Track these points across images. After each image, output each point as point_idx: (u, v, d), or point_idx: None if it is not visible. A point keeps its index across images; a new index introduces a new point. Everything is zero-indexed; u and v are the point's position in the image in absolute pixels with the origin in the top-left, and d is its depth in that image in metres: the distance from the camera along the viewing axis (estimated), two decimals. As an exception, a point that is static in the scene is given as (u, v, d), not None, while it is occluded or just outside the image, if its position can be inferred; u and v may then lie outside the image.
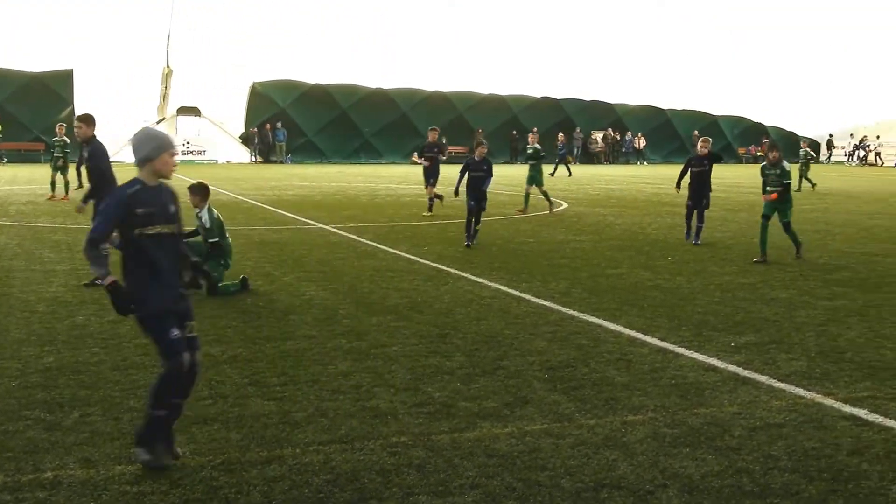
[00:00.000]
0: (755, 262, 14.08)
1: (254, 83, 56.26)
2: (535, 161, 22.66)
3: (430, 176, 22.06)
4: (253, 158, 54.77)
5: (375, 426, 6.20)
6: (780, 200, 14.30)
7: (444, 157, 23.86)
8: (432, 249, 15.22)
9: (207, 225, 11.30)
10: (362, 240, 16.49)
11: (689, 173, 16.86)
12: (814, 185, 33.13)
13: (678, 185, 17.49)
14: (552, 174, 38.58)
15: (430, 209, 21.86)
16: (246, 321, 9.51)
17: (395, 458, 5.60)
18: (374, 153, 58.35)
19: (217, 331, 8.98)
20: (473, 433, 6.09)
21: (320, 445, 5.80)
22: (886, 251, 15.70)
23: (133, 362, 7.77)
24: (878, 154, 61.69)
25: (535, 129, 52.90)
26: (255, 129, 55.09)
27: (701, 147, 16.94)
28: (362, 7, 56.08)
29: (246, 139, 55.68)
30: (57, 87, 52.49)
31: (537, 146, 23.35)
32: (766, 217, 14.39)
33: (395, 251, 15.00)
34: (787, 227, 14.46)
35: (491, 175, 15.97)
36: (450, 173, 21.15)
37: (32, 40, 60.67)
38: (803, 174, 32.88)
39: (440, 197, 22.20)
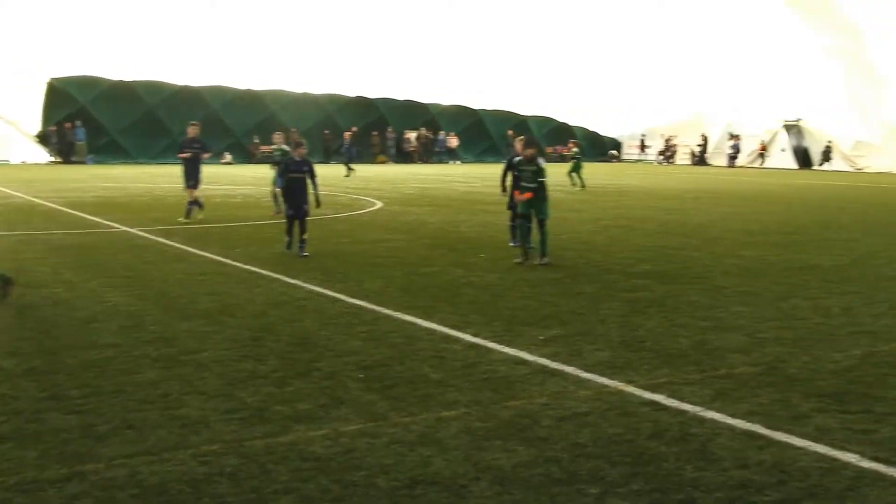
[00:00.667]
0: (516, 262, 13.82)
1: (51, 79, 53.27)
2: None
3: (191, 176, 19.90)
4: (51, 159, 51.94)
5: (185, 435, 6.01)
6: (536, 199, 13.79)
7: (208, 156, 21.78)
8: (245, 252, 14.92)
9: None
10: (170, 243, 15.97)
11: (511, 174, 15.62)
12: (583, 185, 32.28)
13: (503, 187, 16.25)
14: (346, 175, 38.44)
15: (187, 215, 19.57)
16: (44, 331, 9.01)
17: (206, 468, 5.45)
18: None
19: (11, 342, 8.47)
20: (287, 437, 6.02)
21: (126, 458, 5.57)
22: (681, 244, 16.63)
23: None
24: (673, 153, 65.22)
25: (294, 129, 52.76)
26: (54, 128, 52.31)
27: (520, 147, 15.65)
28: (168, 3, 54.17)
29: (43, 138, 52.76)
30: None
31: (284, 147, 22.46)
32: (523, 217, 14.02)
33: (205, 254, 14.61)
34: (542, 223, 13.92)
35: (314, 176, 14.89)
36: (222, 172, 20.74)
37: None
38: (576, 172, 32.77)
39: (199, 204, 19.92)
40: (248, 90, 58.43)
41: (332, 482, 5.27)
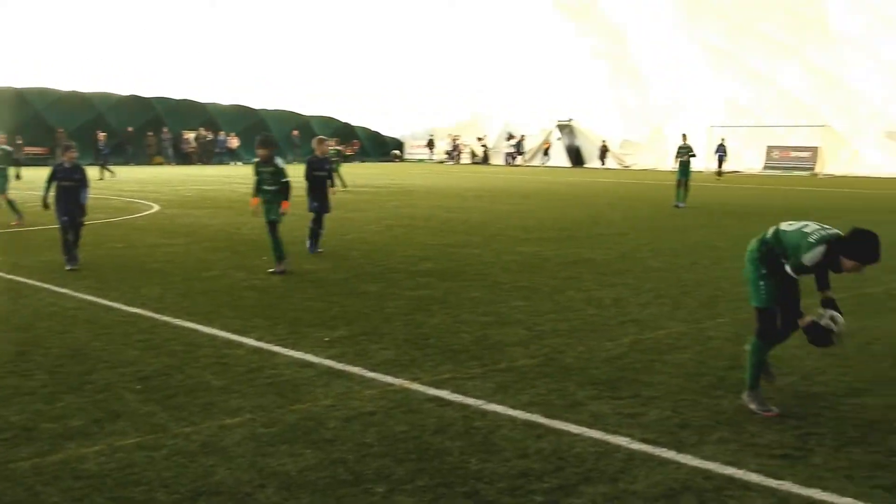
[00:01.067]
0: (271, 271, 13.15)
1: None
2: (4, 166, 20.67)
3: None
4: None
5: (-59, 461, 5.56)
6: (273, 202, 13.20)
7: None
8: (6, 260, 13.97)
9: None
10: None
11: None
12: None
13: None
14: (101, 178, 36.91)
15: None
16: None
17: (-34, 494, 5.06)
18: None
19: None
20: (58, 456, 5.68)
21: None
22: (462, 242, 17.04)
23: None
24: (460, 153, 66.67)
25: (61, 129, 50.24)
26: None
27: (320, 148, 15.84)
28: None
29: None
30: None
31: (6, 147, 21.41)
32: (270, 224, 13.27)
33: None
34: (273, 226, 13.23)
35: (87, 185, 13.45)
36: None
37: None
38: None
39: None
40: (8, 87, 54.74)
41: (108, 500, 5.02)
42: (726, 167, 44.54)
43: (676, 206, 25.45)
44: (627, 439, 5.95)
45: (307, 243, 15.33)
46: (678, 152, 27.24)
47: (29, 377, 7.45)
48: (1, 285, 11.89)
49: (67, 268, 13.09)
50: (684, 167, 26.40)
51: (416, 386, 7.25)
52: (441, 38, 62.35)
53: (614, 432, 6.08)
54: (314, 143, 16.18)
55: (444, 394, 7.01)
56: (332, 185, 15.93)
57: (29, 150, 48.74)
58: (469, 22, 60.94)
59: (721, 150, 44.17)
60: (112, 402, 6.79)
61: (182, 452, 5.75)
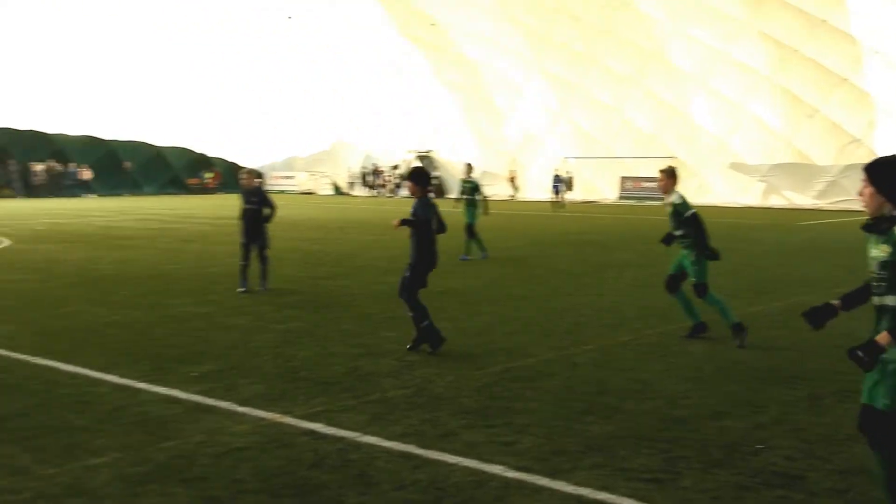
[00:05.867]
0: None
1: None
2: None
3: None
4: None
5: None
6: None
7: None
8: None
9: None
10: None
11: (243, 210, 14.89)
12: None
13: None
14: None
15: None
16: None
17: None
18: None
19: None
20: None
21: None
22: (329, 274, 16.98)
23: None
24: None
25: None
26: None
27: (246, 180, 15.22)
28: None
29: None
30: None
31: None
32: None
33: None
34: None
35: None
36: None
37: None
38: None
39: None
40: None
41: (-32, 549, 4.78)
42: (570, 197, 45.70)
43: (463, 259, 19.42)
44: (503, 467, 6.05)
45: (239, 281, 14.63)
46: (462, 188, 21.49)
47: None
48: None
49: None
50: (470, 208, 20.38)
51: (288, 419, 7.19)
52: (299, 67, 62.11)
53: (489, 461, 6.18)
54: (242, 175, 15.40)
55: (318, 427, 6.98)
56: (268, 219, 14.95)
57: None
58: (327, 52, 60.94)
59: (558, 181, 45.17)
60: (-32, 447, 6.46)
61: (46, 496, 5.53)
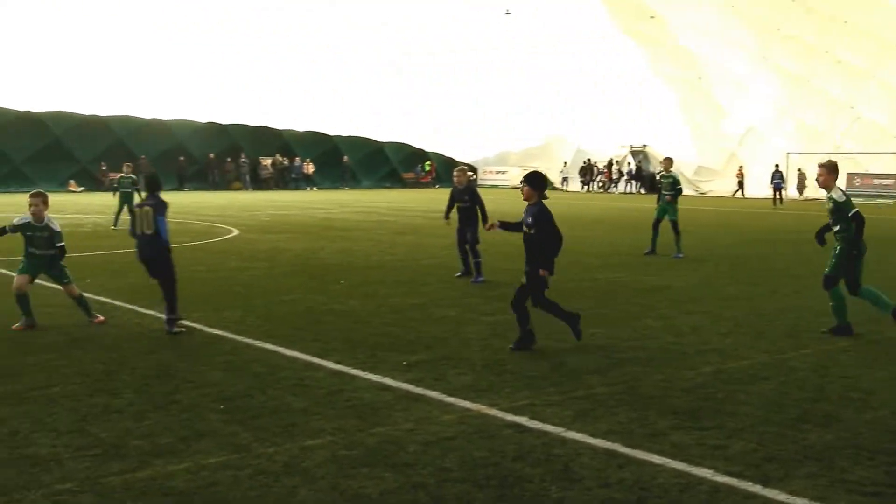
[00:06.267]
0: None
1: None
2: None
3: None
4: None
5: (35, 475, 5.73)
6: None
7: None
8: (95, 282, 14.38)
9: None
10: (12, 273, 15.21)
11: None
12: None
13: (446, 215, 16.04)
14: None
15: None
16: None
17: (60, 508, 5.21)
18: (25, 181, 54.10)
19: None
20: (146, 472, 5.81)
21: (-28, 502, 5.27)
22: (538, 268, 16.98)
23: None
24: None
25: (143, 157, 51.83)
26: None
27: (458, 178, 15.59)
28: (6, 24, 52.09)
29: None
30: None
31: (132, 176, 25.47)
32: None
33: (51, 285, 13.97)
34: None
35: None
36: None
37: None
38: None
39: None
40: (94, 116, 56.40)
41: (196, 517, 5.12)
42: (792, 194, 43.48)
43: (647, 253, 19.28)
44: (711, 471, 5.85)
45: (472, 275, 15.14)
46: (660, 183, 20.72)
47: (117, 396, 7.65)
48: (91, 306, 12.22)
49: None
50: (669, 204, 19.39)
51: (494, 412, 7.25)
52: (513, 64, 62.53)
53: (698, 464, 5.99)
54: (455, 173, 15.88)
55: (523, 420, 6.99)
56: (483, 214, 15.09)
57: (114, 176, 50.05)
58: (541, 46, 60.99)
59: (778, 178, 43.09)
60: (197, 422, 6.93)
61: (265, 472, 5.84)
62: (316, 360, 9.07)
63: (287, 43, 59.66)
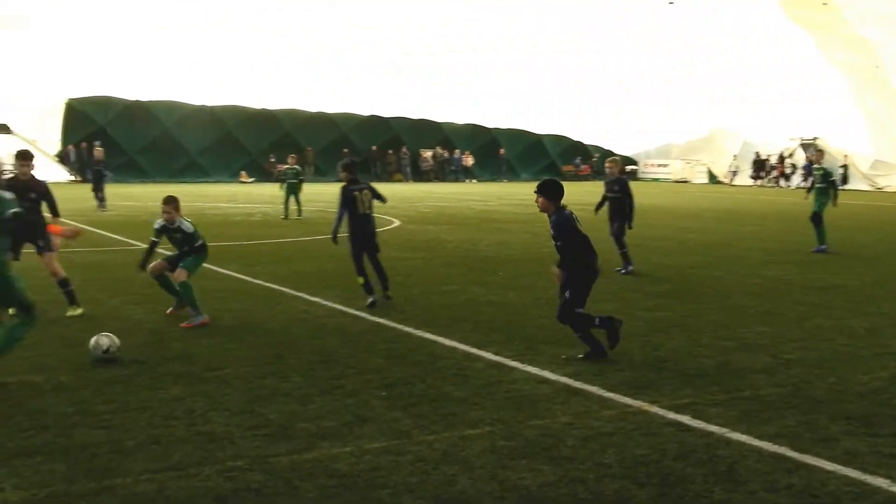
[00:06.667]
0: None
1: (68, 100, 53.80)
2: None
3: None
4: (70, 178, 52.30)
5: (211, 451, 6.03)
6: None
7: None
8: (265, 269, 14.98)
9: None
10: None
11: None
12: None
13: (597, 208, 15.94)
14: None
15: None
16: (69, 347, 9.06)
17: (232, 483, 5.46)
18: (201, 172, 56.92)
19: (39, 358, 8.52)
20: (312, 454, 6.02)
21: (153, 473, 5.59)
22: (700, 263, 16.58)
23: None
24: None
25: (309, 148, 53.58)
26: (72, 148, 52.71)
27: (610, 169, 15.58)
28: (183, 21, 54.90)
29: (62, 158, 53.19)
30: None
31: (297, 167, 27.15)
32: None
33: (225, 271, 14.67)
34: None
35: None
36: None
37: None
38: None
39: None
40: (263, 109, 58.73)
41: (359, 499, 5.26)
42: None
43: (819, 250, 18.44)
44: (888, 481, 5.56)
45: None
46: (814, 176, 20.21)
47: (285, 379, 7.94)
48: (260, 293, 12.76)
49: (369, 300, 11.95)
50: (821, 197, 19.08)
51: (655, 409, 7.13)
52: (675, 53, 61.12)
53: (872, 472, 5.71)
54: (607, 163, 15.95)
55: (685, 419, 6.84)
56: (631, 206, 15.24)
57: (281, 167, 51.98)
58: (704, 35, 59.34)
59: None
60: (360, 407, 7.11)
61: (425, 459, 5.93)
62: (475, 350, 9.15)
63: (448, 35, 60.28)
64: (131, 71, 54.15)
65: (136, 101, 55.44)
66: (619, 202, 15.29)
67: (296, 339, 9.67)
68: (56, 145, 53.76)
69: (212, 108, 57.21)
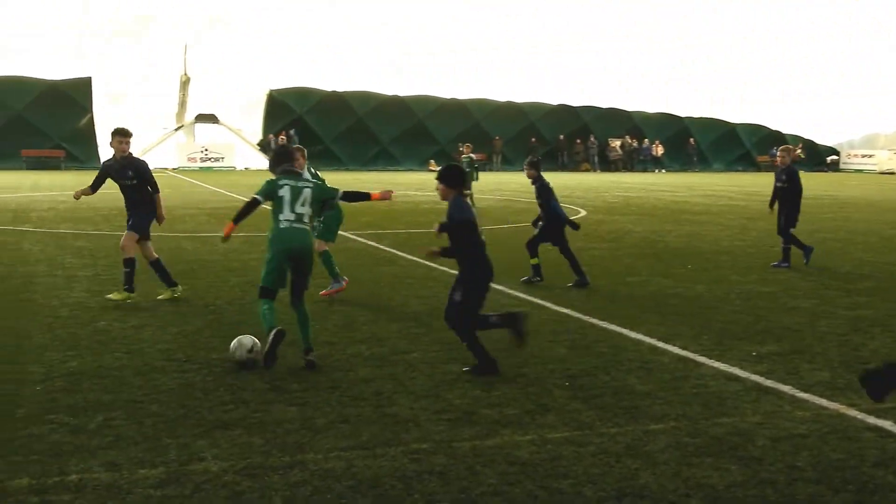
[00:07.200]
0: None
1: (270, 90, 56.51)
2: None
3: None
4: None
5: (396, 433, 6.19)
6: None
7: None
8: (451, 256, 15.20)
9: None
10: (381, 247, 16.52)
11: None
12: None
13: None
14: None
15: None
16: (266, 327, 9.51)
17: (417, 465, 5.59)
18: (392, 160, 58.46)
19: (234, 336, 8.99)
20: (494, 440, 6.08)
21: (342, 451, 5.80)
22: (908, 261, 15.59)
23: (155, 367, 7.82)
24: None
25: (498, 137, 53.62)
26: (272, 137, 55.32)
27: (781, 157, 15.13)
28: (377, 15, 56.59)
29: (263, 146, 55.95)
30: (75, 94, 52.95)
31: (471, 156, 26.36)
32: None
33: (414, 258, 15.00)
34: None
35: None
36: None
37: (50, 48, 61.41)
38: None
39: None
40: (453, 99, 59.63)
41: (539, 488, 5.27)
42: None
43: None
44: None
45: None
46: None
47: (469, 365, 8.03)
48: (446, 280, 12.91)
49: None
50: None
51: (853, 413, 6.77)
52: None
53: None
54: (778, 152, 15.51)
55: (887, 424, 6.46)
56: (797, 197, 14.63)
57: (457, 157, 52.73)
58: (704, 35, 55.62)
59: None
60: (542, 396, 7.12)
61: (607, 452, 5.88)
62: (661, 344, 8.97)
63: (639, 24, 59.17)
64: (328, 63, 56.32)
65: (333, 91, 57.56)
66: (787, 192, 14.59)
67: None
68: (258, 134, 56.66)
69: (402, 97, 58.62)
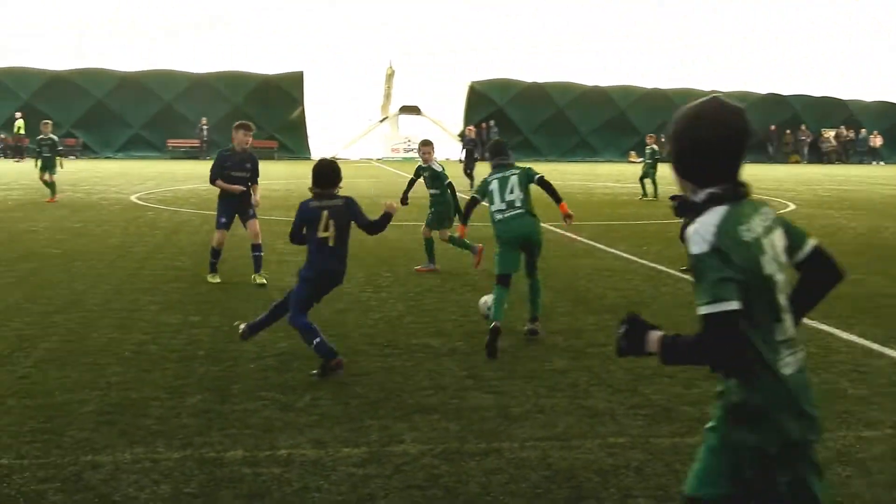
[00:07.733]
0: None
1: (472, 82, 57.28)
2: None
3: None
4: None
5: (592, 425, 6.15)
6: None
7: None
8: (651, 249, 14.92)
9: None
10: (579, 238, 16.41)
11: None
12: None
13: None
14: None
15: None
16: (465, 315, 9.67)
17: (613, 459, 5.53)
18: (591, 151, 57.95)
19: (437, 324, 9.21)
20: (694, 438, 5.90)
21: (537, 441, 5.82)
22: None
23: (358, 350, 8.10)
24: None
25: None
26: (473, 128, 55.98)
27: None
28: (579, 7, 56.21)
29: (463, 137, 56.77)
30: (289, 88, 55.66)
31: (654, 147, 25.83)
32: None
33: (612, 250, 14.82)
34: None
35: None
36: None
37: (267, 45, 64.88)
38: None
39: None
40: (655, 89, 58.41)
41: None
42: None
43: None
44: None
45: None
46: None
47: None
48: (646, 272, 12.75)
49: None
50: None
51: None
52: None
53: None
54: None
55: None
56: None
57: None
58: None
59: None
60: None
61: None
62: (876, 346, 8.46)
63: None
64: (529, 55, 56.54)
65: (534, 82, 57.70)
66: None
67: (681, 322, 9.49)
68: (459, 125, 57.59)
69: (604, 88, 57.98)
